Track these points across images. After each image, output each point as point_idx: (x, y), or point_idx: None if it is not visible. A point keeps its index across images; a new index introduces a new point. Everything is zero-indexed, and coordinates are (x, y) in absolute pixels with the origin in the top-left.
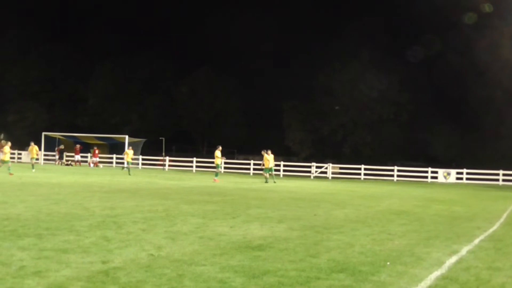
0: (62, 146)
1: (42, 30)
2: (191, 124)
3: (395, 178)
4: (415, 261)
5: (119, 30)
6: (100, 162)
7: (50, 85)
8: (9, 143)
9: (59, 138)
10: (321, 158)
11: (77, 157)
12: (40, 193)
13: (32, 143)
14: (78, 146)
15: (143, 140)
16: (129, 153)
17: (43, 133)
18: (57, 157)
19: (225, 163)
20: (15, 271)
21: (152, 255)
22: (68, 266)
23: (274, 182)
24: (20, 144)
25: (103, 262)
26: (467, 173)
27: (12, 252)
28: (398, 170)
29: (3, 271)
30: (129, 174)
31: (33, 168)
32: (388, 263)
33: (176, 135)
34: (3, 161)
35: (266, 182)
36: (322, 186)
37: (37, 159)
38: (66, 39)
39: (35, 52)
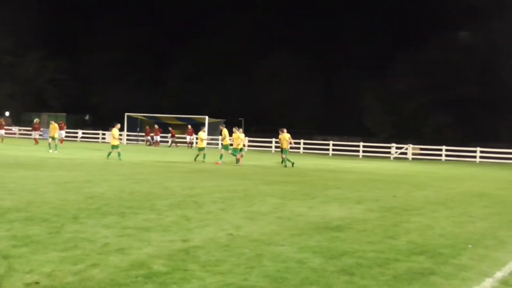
0: (156, 126)
1: (126, 14)
2: (270, 104)
3: (478, 160)
4: (497, 245)
5: (199, 11)
6: (178, 142)
7: (133, 67)
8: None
9: (141, 119)
10: (401, 139)
11: (157, 137)
12: (122, 173)
13: (53, 122)
14: (156, 126)
15: (223, 120)
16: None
17: (126, 114)
18: (147, 138)
19: (304, 143)
20: (100, 248)
21: (231, 234)
22: (150, 244)
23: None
24: (103, 125)
25: (183, 241)
26: None
27: (97, 229)
28: (481, 152)
29: (89, 248)
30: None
31: (50, 148)
32: (469, 246)
33: (255, 116)
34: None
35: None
36: (402, 167)
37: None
38: (148, 22)
39: (119, 36)
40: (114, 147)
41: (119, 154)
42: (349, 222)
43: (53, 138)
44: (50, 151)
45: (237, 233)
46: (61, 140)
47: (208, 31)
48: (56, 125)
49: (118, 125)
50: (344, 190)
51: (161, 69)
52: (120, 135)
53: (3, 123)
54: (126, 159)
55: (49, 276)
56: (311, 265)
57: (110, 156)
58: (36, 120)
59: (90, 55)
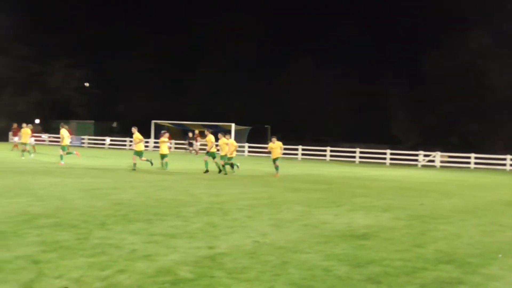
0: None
1: (150, 22)
2: (295, 112)
3: (508, 168)
4: None
5: (222, 19)
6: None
7: (158, 75)
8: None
9: (168, 126)
10: (429, 146)
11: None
12: (149, 180)
13: (24, 125)
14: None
15: (249, 128)
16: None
17: (153, 121)
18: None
19: (331, 151)
20: (127, 254)
21: (257, 241)
22: (176, 251)
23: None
24: (130, 133)
25: (209, 248)
26: None
27: (124, 236)
28: (511, 159)
29: (116, 254)
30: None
31: (23, 154)
32: (499, 255)
33: (280, 123)
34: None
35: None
36: (429, 175)
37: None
38: (172, 29)
39: (144, 44)
40: (163, 156)
41: (166, 164)
42: (375, 230)
43: (24, 144)
44: (23, 157)
45: (263, 240)
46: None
47: (232, 38)
48: (29, 130)
49: (167, 134)
50: (370, 198)
51: (186, 76)
52: (146, 142)
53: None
54: (149, 166)
55: (78, 281)
56: (337, 273)
57: (167, 167)
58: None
59: (115, 63)
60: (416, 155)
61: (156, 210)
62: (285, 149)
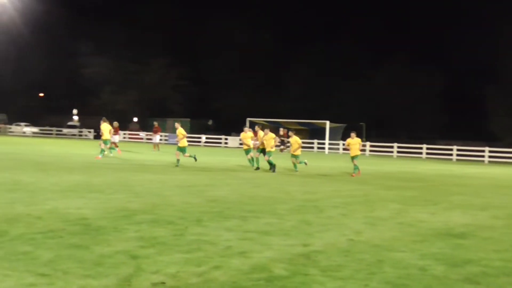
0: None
1: (245, 18)
2: (390, 109)
3: None
4: None
5: (317, 15)
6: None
7: (252, 72)
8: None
9: (262, 124)
10: None
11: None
12: (243, 177)
13: (105, 121)
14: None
15: (344, 125)
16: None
17: (247, 119)
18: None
19: (427, 148)
20: (222, 251)
21: (351, 239)
22: (271, 248)
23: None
24: (225, 130)
25: (304, 245)
26: None
27: (219, 232)
28: None
29: (211, 250)
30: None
31: (103, 151)
32: None
33: (375, 121)
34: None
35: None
36: None
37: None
38: (267, 25)
39: (239, 40)
40: (247, 151)
41: (257, 160)
42: (473, 229)
43: (104, 141)
44: (106, 152)
45: (357, 238)
46: (155, 145)
47: (327, 35)
48: (109, 126)
49: (251, 129)
50: (468, 196)
51: (280, 73)
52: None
53: (158, 130)
54: (244, 163)
55: (174, 277)
56: (434, 273)
57: (253, 163)
58: (155, 123)
59: (210, 60)
60: None
61: (250, 207)
62: (380, 146)
